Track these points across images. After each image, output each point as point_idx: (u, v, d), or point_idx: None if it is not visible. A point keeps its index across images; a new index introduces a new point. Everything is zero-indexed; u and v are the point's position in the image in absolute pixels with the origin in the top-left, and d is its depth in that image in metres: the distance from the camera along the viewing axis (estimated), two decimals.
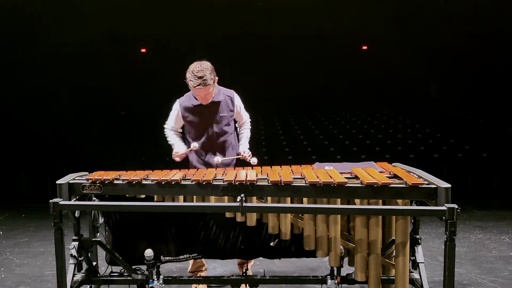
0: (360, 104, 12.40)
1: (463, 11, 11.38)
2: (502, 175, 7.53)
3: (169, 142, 3.38)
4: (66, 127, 9.58)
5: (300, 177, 2.60)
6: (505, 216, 5.70)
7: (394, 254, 2.53)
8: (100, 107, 11.55)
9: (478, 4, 11.08)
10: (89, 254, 2.93)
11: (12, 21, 10.87)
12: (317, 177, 2.53)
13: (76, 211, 2.80)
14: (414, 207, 2.64)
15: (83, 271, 2.95)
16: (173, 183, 2.58)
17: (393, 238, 2.56)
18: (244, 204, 2.46)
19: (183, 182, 2.59)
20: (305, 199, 2.56)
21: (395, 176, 2.59)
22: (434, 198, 2.38)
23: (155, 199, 2.70)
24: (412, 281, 2.80)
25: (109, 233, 3.01)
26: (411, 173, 2.65)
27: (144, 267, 2.92)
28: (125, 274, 2.98)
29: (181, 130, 3.38)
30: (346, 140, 8.91)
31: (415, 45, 12.36)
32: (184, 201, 2.69)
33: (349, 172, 2.68)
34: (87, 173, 2.80)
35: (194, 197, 2.65)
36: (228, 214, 2.69)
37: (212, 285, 3.41)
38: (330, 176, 2.54)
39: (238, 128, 3.48)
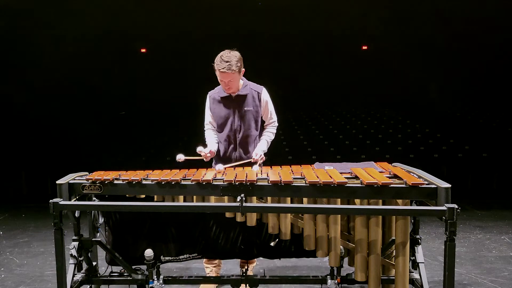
0: (360, 104, 12.40)
1: (463, 11, 11.37)
2: (502, 175, 7.52)
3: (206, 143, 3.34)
4: (66, 127, 9.56)
5: (300, 177, 2.61)
6: (505, 216, 5.71)
7: (394, 254, 2.54)
8: (100, 107, 11.54)
9: (478, 4, 11.07)
10: (89, 254, 2.93)
11: (12, 21, 10.85)
12: (317, 177, 2.53)
13: (76, 211, 2.80)
14: (414, 207, 2.64)
15: (83, 271, 2.95)
16: (173, 183, 2.58)
17: (393, 238, 2.56)
18: (244, 204, 2.46)
19: (183, 182, 2.59)
20: (305, 199, 2.56)
21: (395, 176, 2.59)
22: (434, 198, 2.38)
23: (155, 199, 2.70)
24: (412, 281, 2.81)
25: (109, 233, 3.01)
26: (411, 173, 2.65)
27: (144, 267, 2.92)
28: (125, 274, 2.98)
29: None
30: (346, 140, 8.91)
31: (415, 45, 12.35)
32: (184, 201, 2.69)
33: (349, 172, 2.68)
34: (87, 173, 2.80)
35: (194, 197, 2.65)
36: (228, 214, 2.70)
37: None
38: (330, 176, 2.54)
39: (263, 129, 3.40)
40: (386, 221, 2.60)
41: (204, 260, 3.38)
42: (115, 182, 2.64)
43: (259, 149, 3.22)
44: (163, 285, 2.90)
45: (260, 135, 3.36)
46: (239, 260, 3.44)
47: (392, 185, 2.42)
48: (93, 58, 11.81)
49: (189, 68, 12.46)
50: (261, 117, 3.34)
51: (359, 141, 8.84)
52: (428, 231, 5.02)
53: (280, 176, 2.57)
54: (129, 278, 2.95)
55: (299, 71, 12.87)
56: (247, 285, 2.96)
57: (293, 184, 2.50)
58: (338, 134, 9.52)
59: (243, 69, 3.21)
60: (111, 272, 3.02)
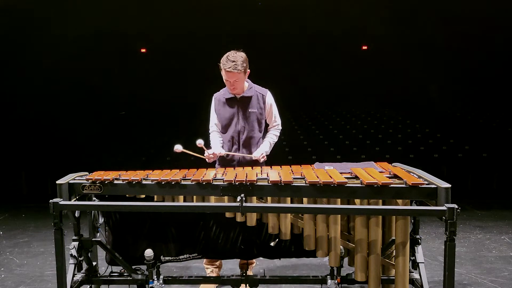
0: (360, 104, 12.40)
1: (463, 11, 11.37)
2: (502, 175, 7.52)
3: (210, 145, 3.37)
4: (66, 127, 9.56)
5: (300, 177, 2.60)
6: (505, 216, 5.71)
7: (394, 254, 2.54)
8: (100, 107, 11.54)
9: (478, 4, 11.07)
10: (89, 254, 2.93)
11: (12, 20, 10.86)
12: (317, 177, 2.53)
13: (76, 211, 2.80)
14: (414, 207, 2.64)
15: (83, 271, 2.95)
16: (173, 183, 2.58)
17: (393, 238, 2.56)
18: (244, 204, 2.46)
19: (183, 182, 2.59)
20: (305, 199, 2.56)
21: (395, 176, 2.59)
22: (434, 198, 2.38)
23: (155, 199, 2.70)
24: (412, 281, 2.80)
25: (109, 233, 3.01)
26: (411, 173, 2.65)
27: (144, 267, 2.92)
28: (125, 274, 2.98)
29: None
30: (346, 140, 8.91)
31: (415, 45, 12.35)
32: (184, 201, 2.69)
33: (349, 172, 2.68)
34: (87, 173, 2.80)
35: (194, 197, 2.65)
36: (228, 214, 2.69)
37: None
38: (330, 176, 2.54)
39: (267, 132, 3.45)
40: (386, 221, 2.60)
41: (205, 260, 3.39)
42: (115, 182, 2.64)
43: (262, 150, 3.28)
44: (163, 285, 2.90)
45: (264, 137, 3.40)
46: (239, 260, 3.44)
47: (392, 185, 2.42)
48: (93, 58, 11.81)
49: (189, 68, 12.48)
50: (265, 120, 3.37)
51: (359, 141, 8.84)
52: (428, 231, 5.02)
53: (280, 176, 2.57)
54: (129, 278, 2.95)
55: (299, 71, 12.88)
56: (247, 285, 2.96)
57: (293, 184, 2.50)
58: (338, 134, 9.52)
59: (248, 70, 3.22)
60: (111, 272, 3.02)
